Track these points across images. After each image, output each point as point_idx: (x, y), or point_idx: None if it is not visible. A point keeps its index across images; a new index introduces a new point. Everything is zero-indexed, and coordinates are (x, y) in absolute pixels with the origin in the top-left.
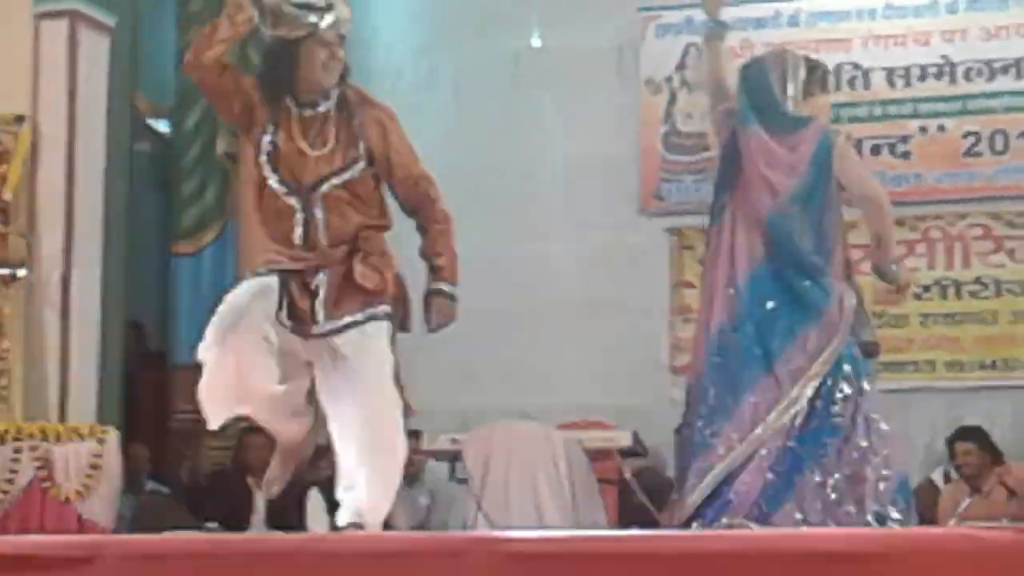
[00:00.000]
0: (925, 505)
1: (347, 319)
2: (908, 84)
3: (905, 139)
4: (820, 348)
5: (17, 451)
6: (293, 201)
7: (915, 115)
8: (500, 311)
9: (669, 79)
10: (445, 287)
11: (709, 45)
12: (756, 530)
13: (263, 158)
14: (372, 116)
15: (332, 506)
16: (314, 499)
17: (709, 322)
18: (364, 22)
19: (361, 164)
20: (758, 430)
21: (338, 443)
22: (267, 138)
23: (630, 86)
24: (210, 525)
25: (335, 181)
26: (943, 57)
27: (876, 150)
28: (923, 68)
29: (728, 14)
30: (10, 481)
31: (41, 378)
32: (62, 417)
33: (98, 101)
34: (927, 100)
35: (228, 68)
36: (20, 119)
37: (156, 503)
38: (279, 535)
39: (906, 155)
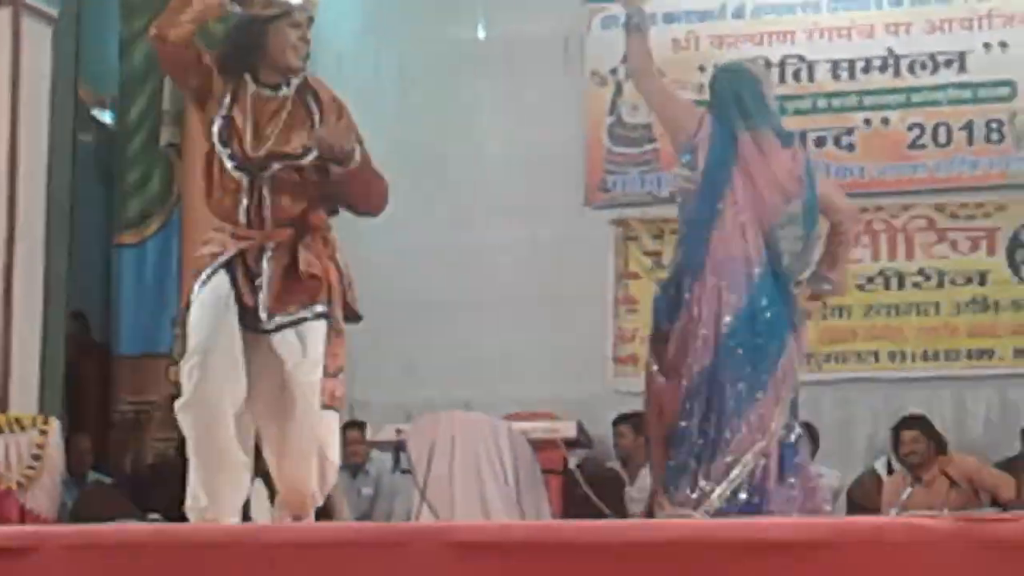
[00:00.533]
0: (867, 494)
1: (291, 316)
2: (852, 77)
3: (849, 131)
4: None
5: None
6: (240, 176)
7: (859, 107)
8: (443, 303)
9: (614, 71)
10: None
11: (631, 39)
12: (700, 519)
13: (215, 131)
14: (331, 104)
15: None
16: (258, 490)
17: (719, 319)
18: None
19: (313, 153)
20: (771, 431)
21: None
22: (222, 112)
23: (575, 77)
24: (153, 516)
25: (286, 163)
26: (887, 50)
27: (820, 142)
28: (867, 61)
29: (672, 6)
30: None
31: None
32: (4, 407)
33: (41, 91)
34: (871, 93)
35: (191, 44)
36: None
37: (99, 493)
38: (222, 525)
39: (850, 147)
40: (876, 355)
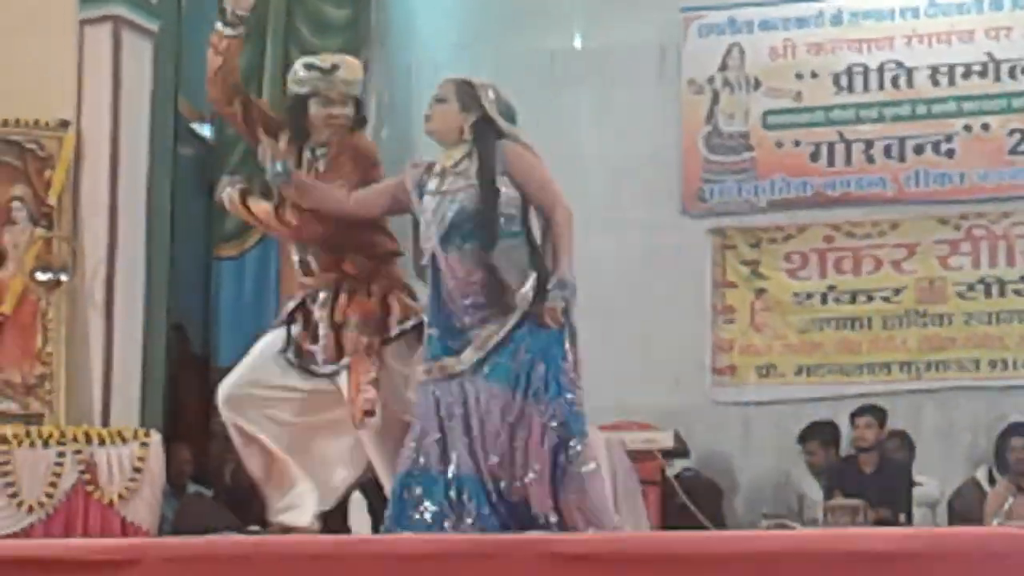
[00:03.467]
0: (969, 504)
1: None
2: (952, 82)
3: (949, 138)
4: None
5: (61, 455)
6: (291, 244)
7: (959, 113)
8: None
9: (711, 79)
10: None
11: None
12: (798, 529)
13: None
14: (370, 160)
15: (374, 508)
16: (356, 501)
17: None
18: (405, 17)
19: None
20: None
21: None
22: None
23: (672, 86)
24: (252, 528)
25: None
26: (987, 55)
27: (920, 149)
28: (967, 66)
29: (769, 13)
30: (54, 485)
31: (85, 381)
32: (105, 420)
33: (141, 105)
34: (971, 98)
35: (234, 99)
36: (65, 124)
37: (199, 505)
38: (322, 537)
39: (950, 154)
40: (977, 363)
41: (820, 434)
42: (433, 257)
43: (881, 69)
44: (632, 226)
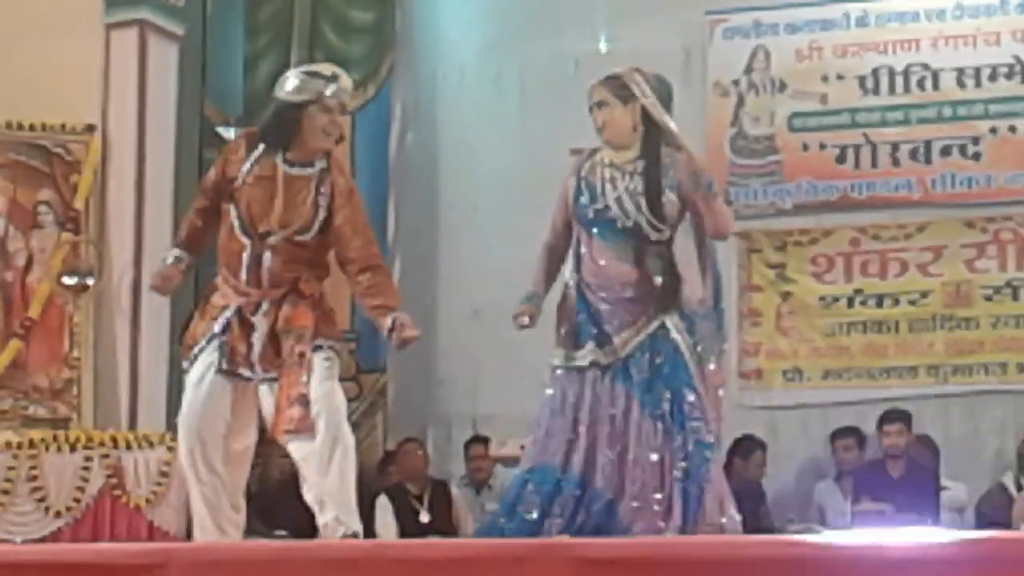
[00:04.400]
0: (996, 509)
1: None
2: (978, 85)
3: (976, 140)
4: None
5: (88, 459)
6: (245, 240)
7: (985, 116)
8: None
9: (736, 82)
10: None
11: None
12: (824, 533)
13: (234, 194)
14: (344, 188)
15: (399, 512)
16: (382, 506)
17: None
18: (429, 21)
19: (310, 234)
20: None
21: None
22: (241, 176)
23: (697, 89)
24: (279, 532)
25: (284, 234)
26: (1014, 57)
27: (946, 151)
28: (993, 68)
29: (794, 16)
30: (81, 489)
31: (111, 386)
32: (132, 425)
33: (167, 110)
34: (998, 101)
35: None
36: (91, 128)
37: None
38: (349, 542)
39: (977, 156)
40: (1004, 367)
41: (853, 433)
42: (581, 244)
43: (907, 71)
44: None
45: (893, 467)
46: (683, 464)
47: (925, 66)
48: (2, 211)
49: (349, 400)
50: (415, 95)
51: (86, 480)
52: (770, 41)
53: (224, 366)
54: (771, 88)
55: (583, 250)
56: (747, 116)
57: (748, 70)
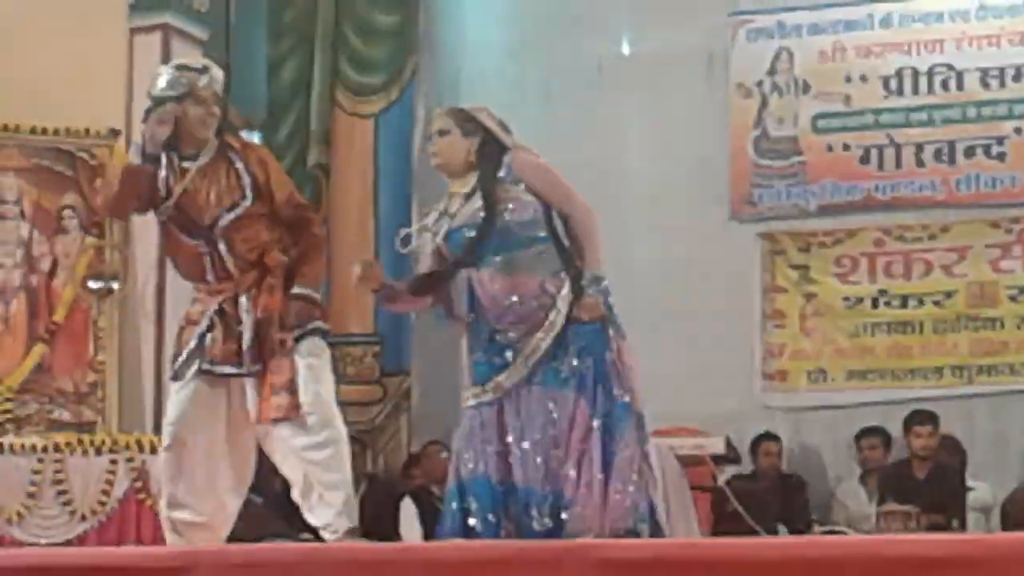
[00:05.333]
0: (1022, 510)
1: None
2: (1003, 85)
3: (1000, 140)
4: None
5: (113, 463)
6: (197, 243)
7: (1010, 116)
8: None
9: (760, 83)
10: (305, 291)
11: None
12: (851, 535)
13: (163, 215)
14: (254, 157)
15: (424, 515)
16: (407, 508)
17: None
18: (453, 24)
19: (247, 201)
20: None
21: None
22: (162, 194)
23: (720, 91)
24: (304, 535)
25: (230, 216)
26: None
27: (970, 152)
28: (1017, 68)
29: (817, 17)
30: (106, 492)
31: (136, 389)
32: (157, 428)
33: None
34: (1022, 101)
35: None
36: (115, 133)
37: (251, 513)
38: (373, 544)
39: (1001, 156)
40: None
41: (879, 433)
42: (468, 281)
43: (931, 72)
44: (681, 231)
45: (919, 468)
46: (602, 419)
47: (949, 67)
48: (27, 216)
49: (372, 403)
50: (438, 98)
51: (111, 483)
52: (794, 42)
53: (204, 367)
54: (795, 89)
55: (472, 283)
56: (771, 117)
57: (772, 71)
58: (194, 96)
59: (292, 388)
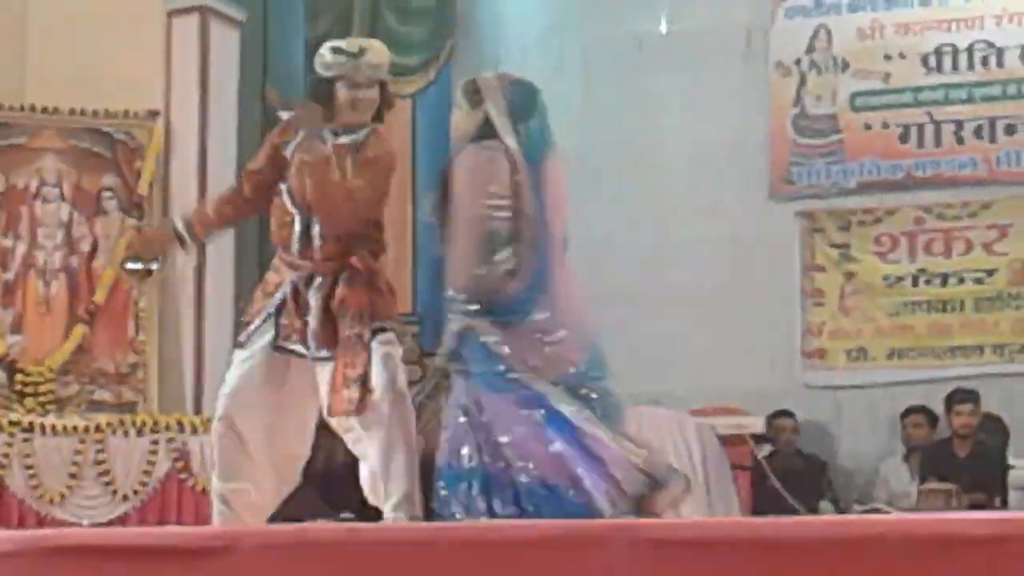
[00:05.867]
0: None
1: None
2: None
3: None
4: None
5: (154, 443)
6: (294, 211)
7: None
8: (627, 296)
9: (799, 61)
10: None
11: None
12: (893, 514)
13: (282, 169)
14: (367, 155)
15: None
16: None
17: None
18: (491, 3)
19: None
20: None
21: None
22: (289, 150)
23: (759, 69)
24: (345, 515)
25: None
26: None
27: (1010, 130)
28: None
29: None
30: (148, 473)
31: (176, 370)
32: (197, 408)
33: (229, 95)
34: None
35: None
36: (154, 114)
37: (292, 493)
38: (415, 524)
39: None
40: None
41: (924, 411)
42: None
43: (970, 49)
44: (720, 210)
45: (960, 446)
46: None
47: (989, 44)
48: (67, 197)
49: (412, 383)
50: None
51: (153, 464)
52: (832, 20)
53: (278, 342)
54: (833, 67)
55: None
56: (809, 96)
57: (810, 49)
58: (346, 79)
59: (365, 381)
